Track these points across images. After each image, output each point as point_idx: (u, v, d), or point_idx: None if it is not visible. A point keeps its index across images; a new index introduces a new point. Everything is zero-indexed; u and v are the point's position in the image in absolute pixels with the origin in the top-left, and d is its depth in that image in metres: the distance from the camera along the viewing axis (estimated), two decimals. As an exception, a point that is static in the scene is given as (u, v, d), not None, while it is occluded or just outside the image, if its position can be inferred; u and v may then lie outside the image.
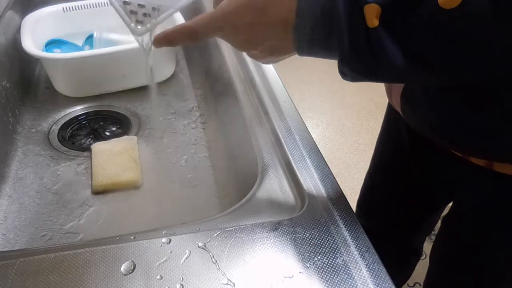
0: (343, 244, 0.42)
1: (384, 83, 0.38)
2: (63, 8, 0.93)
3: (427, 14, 0.33)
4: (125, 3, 0.47)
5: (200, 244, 0.42)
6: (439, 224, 0.79)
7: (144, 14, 0.47)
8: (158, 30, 0.46)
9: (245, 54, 0.52)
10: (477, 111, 0.48)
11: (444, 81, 0.43)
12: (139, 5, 0.47)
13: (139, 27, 0.47)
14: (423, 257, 0.86)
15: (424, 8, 0.33)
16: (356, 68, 0.37)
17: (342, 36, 0.35)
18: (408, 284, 1.24)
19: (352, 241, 0.43)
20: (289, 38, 0.39)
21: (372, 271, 0.40)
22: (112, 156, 0.70)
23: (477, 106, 0.48)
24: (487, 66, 0.34)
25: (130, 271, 0.40)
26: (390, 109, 0.76)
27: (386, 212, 0.86)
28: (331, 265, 0.40)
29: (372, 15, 0.34)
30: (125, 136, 0.76)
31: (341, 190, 0.49)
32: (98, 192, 0.66)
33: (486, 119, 0.48)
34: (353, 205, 0.83)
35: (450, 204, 0.74)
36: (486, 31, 0.32)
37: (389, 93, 0.65)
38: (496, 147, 0.51)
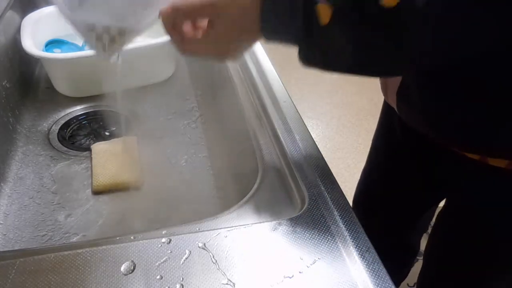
0: (343, 244, 0.42)
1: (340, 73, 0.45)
2: (63, 8, 0.93)
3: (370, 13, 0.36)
4: (90, 29, 0.49)
5: (200, 244, 0.42)
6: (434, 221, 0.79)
7: (111, 39, 0.49)
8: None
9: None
10: (471, 107, 0.49)
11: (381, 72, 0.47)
12: (103, 27, 0.49)
13: (106, 51, 0.50)
14: (422, 258, 0.85)
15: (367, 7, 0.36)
16: (310, 58, 0.43)
17: (298, 31, 0.40)
18: (408, 284, 1.24)
19: (352, 241, 0.43)
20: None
21: (372, 271, 0.40)
22: (112, 156, 0.70)
23: (471, 103, 0.49)
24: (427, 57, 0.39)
25: (130, 271, 0.40)
26: (385, 107, 0.77)
27: (381, 209, 0.86)
28: (331, 265, 0.40)
29: (324, 14, 0.37)
30: (125, 136, 0.76)
31: (341, 190, 0.49)
32: (98, 192, 0.66)
33: (479, 114, 0.49)
34: (353, 205, 0.83)
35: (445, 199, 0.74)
36: (421, 26, 0.35)
37: (385, 90, 0.65)
38: (489, 144, 0.51)
